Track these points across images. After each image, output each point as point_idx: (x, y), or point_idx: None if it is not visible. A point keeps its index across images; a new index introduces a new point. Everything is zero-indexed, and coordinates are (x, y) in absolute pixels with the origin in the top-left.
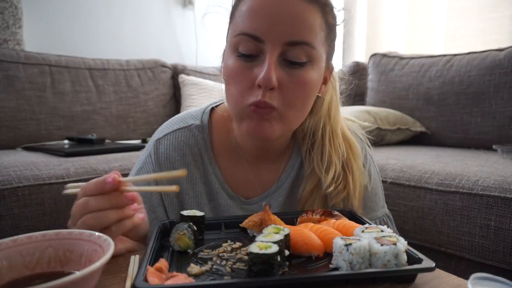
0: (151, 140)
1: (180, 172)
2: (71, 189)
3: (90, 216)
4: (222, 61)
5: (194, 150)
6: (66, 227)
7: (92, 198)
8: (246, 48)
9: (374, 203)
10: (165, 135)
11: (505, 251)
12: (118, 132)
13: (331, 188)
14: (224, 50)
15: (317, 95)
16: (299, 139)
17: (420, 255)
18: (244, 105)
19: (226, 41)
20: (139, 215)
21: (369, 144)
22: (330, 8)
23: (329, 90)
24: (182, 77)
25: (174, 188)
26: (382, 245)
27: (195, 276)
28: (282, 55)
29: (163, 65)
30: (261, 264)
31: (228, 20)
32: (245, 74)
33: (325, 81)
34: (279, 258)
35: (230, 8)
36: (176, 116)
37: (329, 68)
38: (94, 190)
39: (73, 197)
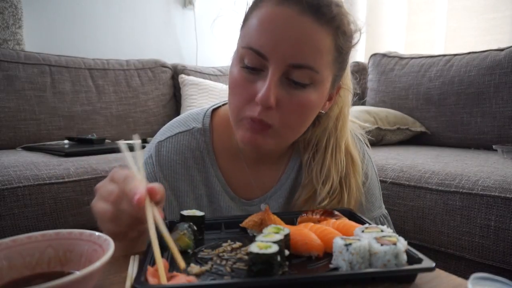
0: (153, 142)
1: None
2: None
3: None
4: (231, 64)
5: (195, 153)
6: (66, 227)
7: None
8: (250, 62)
9: (370, 204)
10: (167, 138)
11: (505, 251)
12: (118, 132)
13: (325, 202)
14: (233, 55)
15: (320, 111)
16: (300, 148)
17: (420, 255)
18: (242, 116)
19: (236, 45)
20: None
21: (368, 144)
22: (342, 31)
23: (340, 103)
24: (182, 77)
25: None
26: (382, 245)
27: (195, 276)
28: (285, 75)
29: (163, 65)
30: (261, 264)
31: (241, 24)
32: (246, 87)
33: (330, 98)
34: (279, 258)
35: (244, 13)
36: (178, 118)
37: (335, 87)
38: (121, 180)
39: (73, 198)
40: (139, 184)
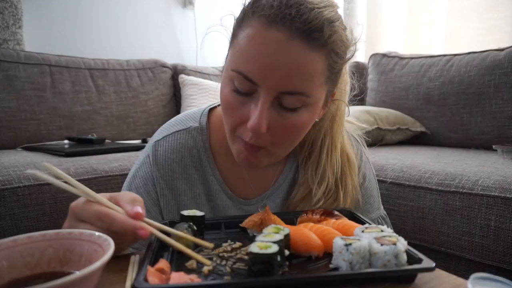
0: (150, 142)
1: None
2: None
3: None
4: (222, 82)
5: (193, 152)
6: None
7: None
8: (240, 85)
9: (368, 205)
10: (164, 137)
11: (505, 251)
12: (118, 132)
13: (321, 202)
14: (223, 71)
15: (315, 120)
16: (297, 148)
17: (420, 255)
18: (234, 135)
19: (225, 62)
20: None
21: (365, 145)
22: (336, 52)
23: (335, 102)
24: (182, 77)
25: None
26: (382, 245)
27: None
28: (276, 99)
29: (163, 65)
30: (261, 264)
31: (229, 39)
32: (238, 109)
33: (324, 106)
34: (279, 258)
35: (233, 25)
36: (175, 118)
37: (329, 97)
38: (99, 224)
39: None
40: (124, 219)
